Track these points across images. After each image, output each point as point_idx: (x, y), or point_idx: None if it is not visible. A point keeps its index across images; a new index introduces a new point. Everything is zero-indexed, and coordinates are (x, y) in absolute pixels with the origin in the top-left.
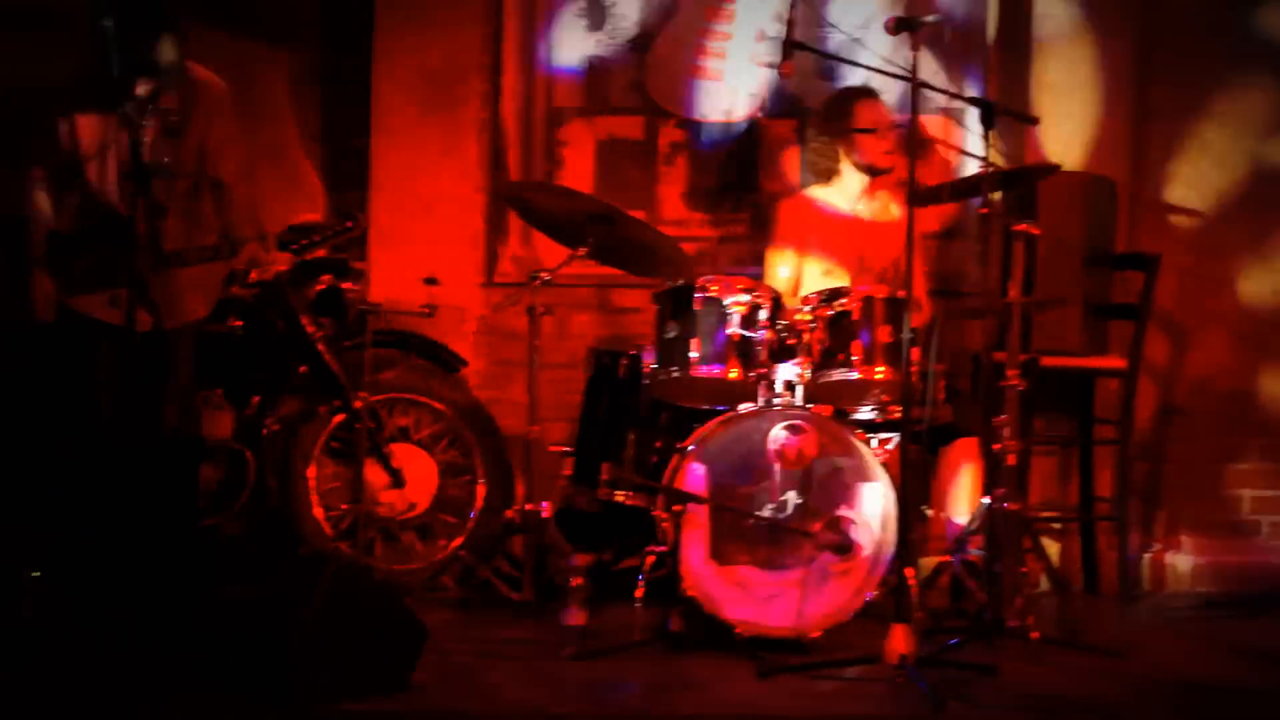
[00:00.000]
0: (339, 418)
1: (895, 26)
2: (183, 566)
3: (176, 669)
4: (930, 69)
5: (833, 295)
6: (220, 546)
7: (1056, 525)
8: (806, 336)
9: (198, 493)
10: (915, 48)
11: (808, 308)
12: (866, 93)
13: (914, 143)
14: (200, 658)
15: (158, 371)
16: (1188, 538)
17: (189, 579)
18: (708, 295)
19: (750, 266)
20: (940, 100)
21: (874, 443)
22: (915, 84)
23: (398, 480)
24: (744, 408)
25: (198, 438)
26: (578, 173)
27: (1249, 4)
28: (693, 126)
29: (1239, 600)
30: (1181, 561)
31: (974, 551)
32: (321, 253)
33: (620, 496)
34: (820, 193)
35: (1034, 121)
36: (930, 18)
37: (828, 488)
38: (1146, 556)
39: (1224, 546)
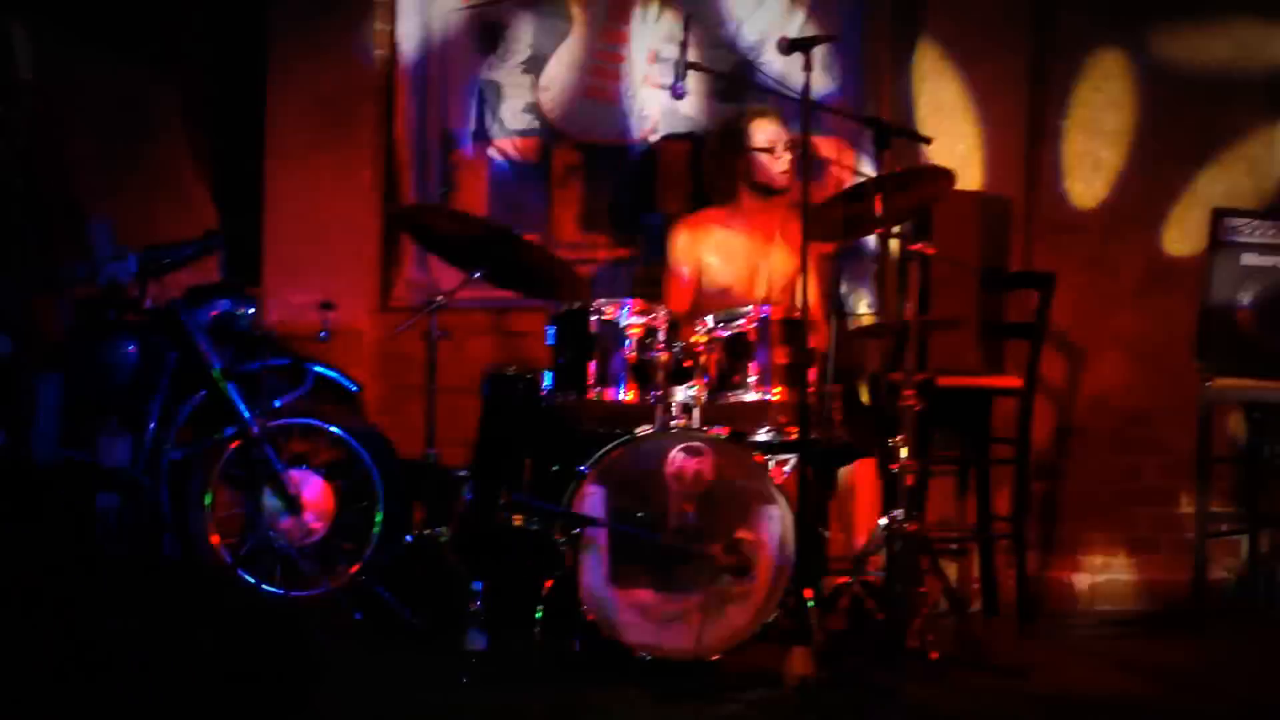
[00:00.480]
0: (236, 444)
1: (788, 47)
2: (76, 596)
3: (66, 701)
4: (825, 90)
5: (729, 317)
6: (117, 574)
7: (955, 545)
8: (703, 358)
9: (93, 521)
10: (808, 68)
11: (704, 329)
12: (762, 112)
13: (808, 162)
14: (91, 688)
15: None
16: (1086, 556)
17: (82, 608)
18: (604, 318)
19: (647, 288)
20: (835, 121)
21: (772, 464)
22: (808, 104)
23: (295, 507)
24: (641, 430)
25: (91, 465)
26: (473, 196)
27: (1142, 25)
28: (588, 148)
29: (1138, 619)
30: (1080, 580)
31: (873, 572)
32: (180, 272)
33: (518, 520)
34: (716, 212)
35: (927, 141)
36: (822, 38)
37: (726, 510)
38: (1045, 575)
39: (1122, 565)
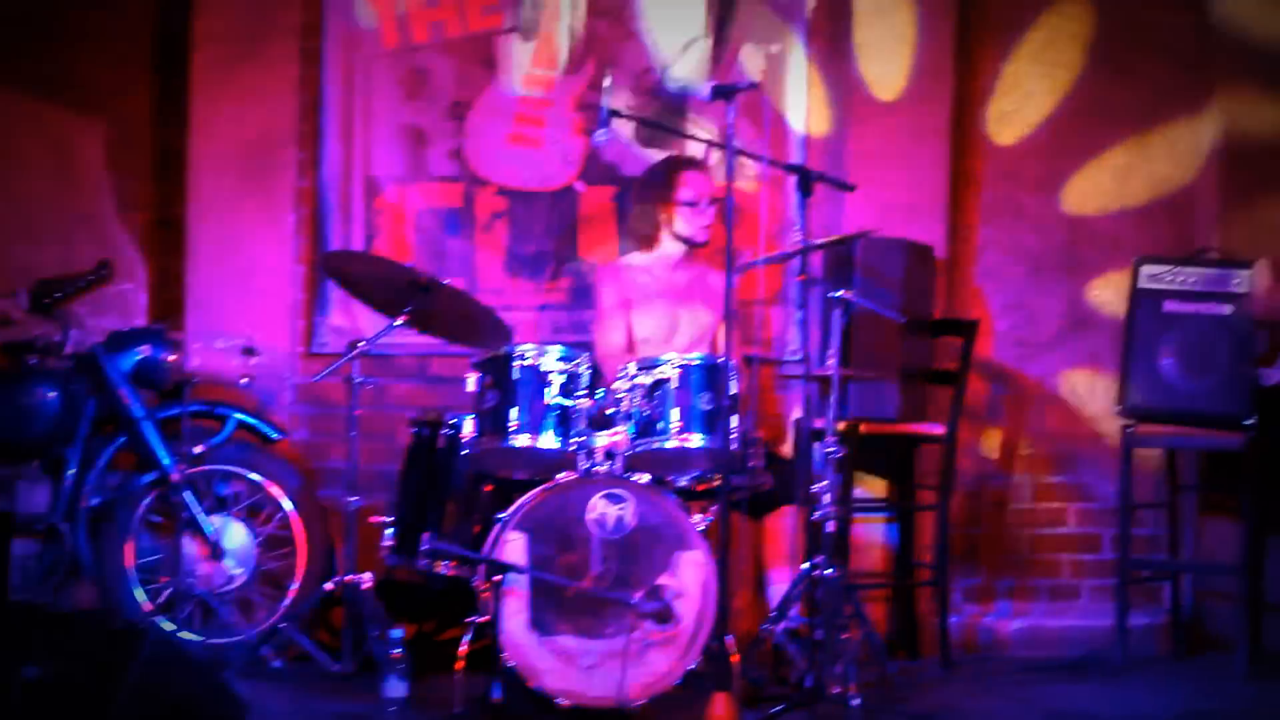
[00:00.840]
0: (157, 490)
1: (713, 93)
2: None
3: None
4: (748, 138)
5: (651, 363)
6: (33, 621)
7: (878, 591)
8: (626, 405)
9: (8, 568)
10: (733, 115)
11: (627, 376)
12: (690, 163)
13: (731, 211)
14: None
15: None
16: (1008, 602)
17: None
18: (526, 364)
19: (570, 334)
20: (760, 168)
21: (694, 511)
22: (732, 151)
23: (215, 552)
24: (563, 477)
25: (7, 513)
26: (396, 242)
27: (1063, 71)
28: (512, 194)
29: (1061, 664)
30: (1002, 626)
31: (795, 618)
32: (70, 303)
33: (440, 567)
34: (639, 260)
35: (850, 188)
36: (745, 85)
37: (648, 556)
38: (968, 621)
39: (1044, 610)
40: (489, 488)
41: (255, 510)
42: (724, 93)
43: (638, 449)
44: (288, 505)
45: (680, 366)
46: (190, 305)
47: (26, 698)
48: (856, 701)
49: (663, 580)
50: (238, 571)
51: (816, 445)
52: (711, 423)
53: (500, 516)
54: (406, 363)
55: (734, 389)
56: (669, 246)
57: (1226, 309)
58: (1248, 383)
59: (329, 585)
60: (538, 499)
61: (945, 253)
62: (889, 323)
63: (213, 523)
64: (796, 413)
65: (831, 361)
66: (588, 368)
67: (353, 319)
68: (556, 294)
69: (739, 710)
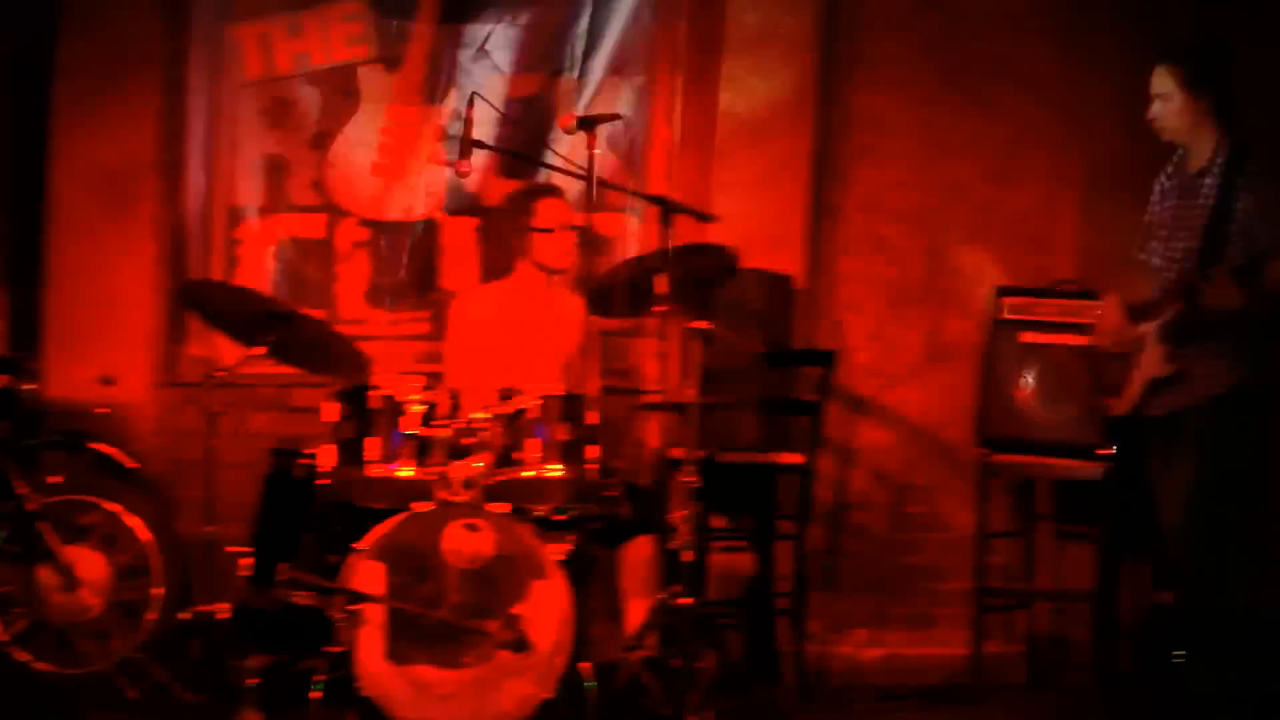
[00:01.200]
0: (13, 520)
1: (576, 125)
2: None
3: None
4: (612, 168)
5: (508, 394)
6: None
7: (737, 619)
8: (484, 434)
9: None
10: (592, 146)
11: (485, 406)
12: (548, 191)
13: (591, 240)
14: None
15: None
16: (866, 631)
17: None
18: (384, 394)
19: (431, 365)
20: (622, 199)
21: (551, 541)
22: (592, 182)
23: (71, 583)
24: (420, 506)
25: None
26: (257, 271)
27: (924, 106)
28: (374, 224)
29: (917, 692)
30: (861, 654)
31: (652, 647)
32: None
33: (297, 597)
34: (497, 289)
35: (711, 219)
36: (609, 116)
37: (505, 586)
38: (826, 650)
39: (902, 639)
40: (346, 517)
41: (112, 540)
42: (586, 124)
43: (496, 478)
44: (145, 535)
45: (539, 397)
46: (49, 334)
47: None
48: None
49: (520, 610)
50: (93, 601)
51: (674, 475)
52: (570, 453)
53: (357, 546)
54: (266, 393)
55: (592, 419)
56: (528, 274)
57: (1083, 340)
58: (1103, 413)
59: (186, 614)
60: (395, 528)
61: (806, 284)
62: (748, 353)
63: (67, 553)
64: (655, 443)
65: (690, 391)
66: (447, 397)
67: (212, 349)
68: (418, 324)
69: None
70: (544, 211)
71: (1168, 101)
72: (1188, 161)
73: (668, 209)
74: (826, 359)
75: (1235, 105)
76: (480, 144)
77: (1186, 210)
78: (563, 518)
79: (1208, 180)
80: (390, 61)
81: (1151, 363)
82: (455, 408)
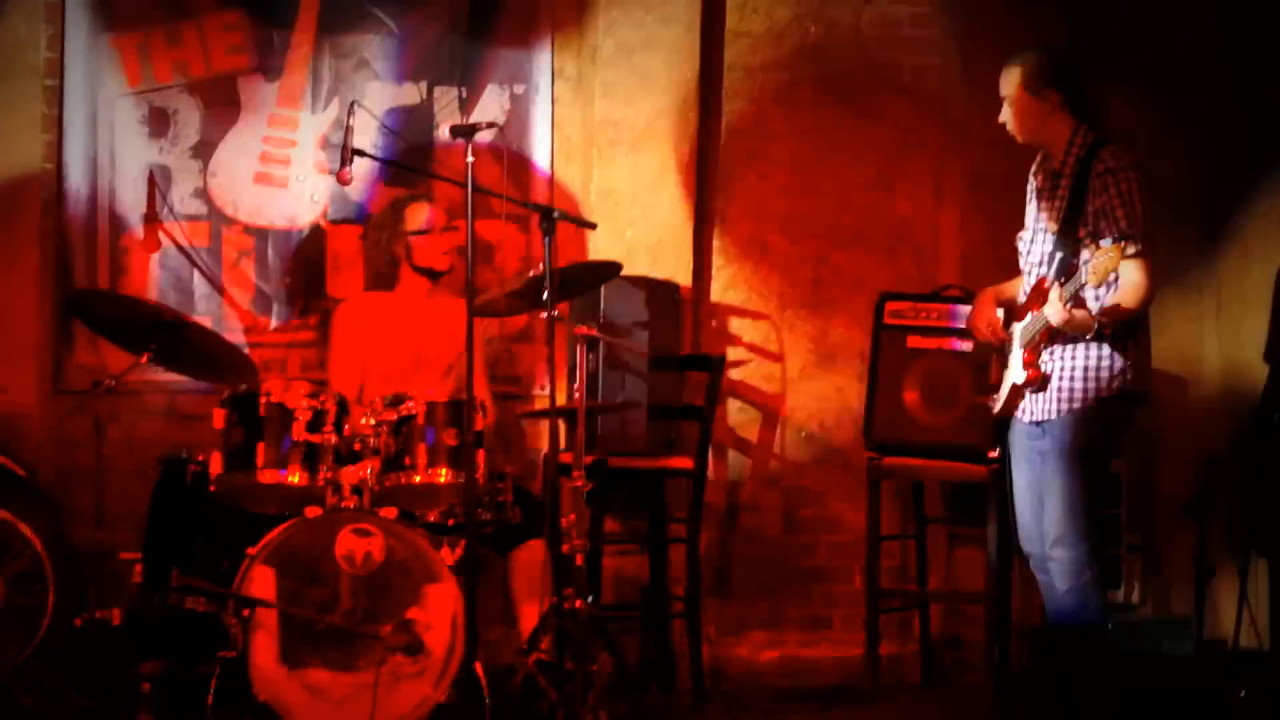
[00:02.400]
0: None
1: (452, 133)
2: None
3: None
4: (493, 176)
5: (396, 400)
6: None
7: (629, 622)
8: (372, 440)
9: None
10: (471, 154)
11: (372, 412)
12: (415, 197)
13: (472, 247)
14: None
15: None
16: (762, 632)
17: None
18: (272, 401)
19: (318, 372)
20: (504, 207)
21: (443, 544)
22: (471, 190)
23: None
24: (311, 512)
25: None
26: (142, 279)
27: (806, 113)
28: (259, 233)
29: (813, 693)
30: (756, 656)
31: (546, 650)
32: None
33: (190, 603)
34: (380, 296)
35: (592, 226)
36: (486, 124)
37: (397, 590)
38: (721, 652)
39: (797, 640)
40: (237, 523)
41: (4, 547)
42: (463, 132)
43: (385, 484)
44: (37, 542)
45: (426, 402)
46: None
47: None
48: None
49: (412, 614)
50: None
51: (564, 479)
52: (456, 458)
53: (249, 552)
54: (154, 400)
55: (479, 424)
56: (409, 280)
57: (967, 344)
58: (988, 415)
59: (80, 621)
60: (286, 534)
61: (692, 290)
62: (635, 358)
63: None
64: (545, 448)
65: (578, 396)
66: (334, 404)
67: (100, 357)
68: (305, 331)
69: None
70: (413, 216)
71: (1012, 104)
72: (1050, 162)
73: (548, 216)
74: (713, 364)
75: (1087, 104)
76: (361, 152)
77: (1047, 212)
78: (453, 522)
79: (1063, 181)
80: (270, 71)
81: (1014, 368)
82: (344, 414)
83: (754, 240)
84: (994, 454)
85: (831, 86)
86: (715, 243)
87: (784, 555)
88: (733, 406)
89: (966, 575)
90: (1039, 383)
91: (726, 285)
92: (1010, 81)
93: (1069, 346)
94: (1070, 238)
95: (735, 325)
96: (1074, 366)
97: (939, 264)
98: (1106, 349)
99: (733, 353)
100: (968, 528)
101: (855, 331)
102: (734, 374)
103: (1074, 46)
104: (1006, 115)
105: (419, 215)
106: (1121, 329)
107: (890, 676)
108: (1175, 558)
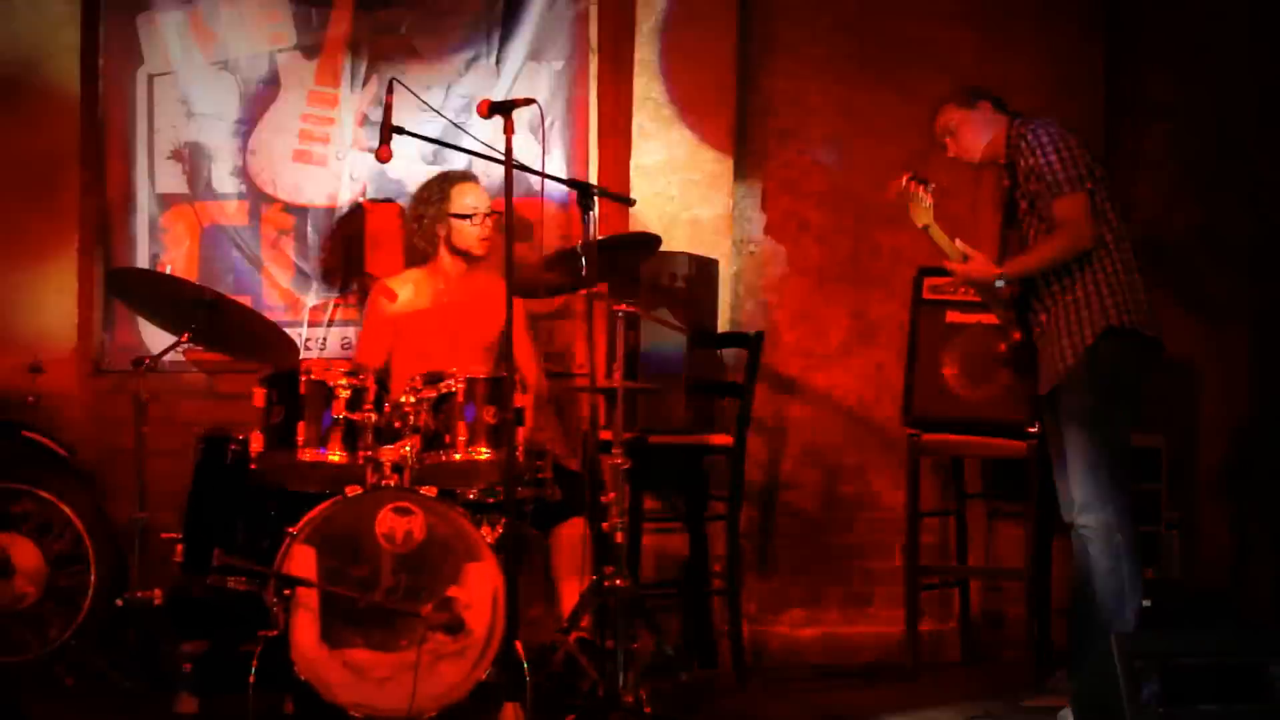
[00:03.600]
0: None
1: (491, 110)
2: None
3: None
4: (533, 153)
5: (436, 377)
6: None
7: (669, 600)
8: (412, 418)
9: None
10: (509, 132)
11: (412, 390)
12: (463, 177)
13: (511, 225)
14: None
15: None
16: (801, 610)
17: None
18: (312, 379)
19: (357, 349)
20: (542, 184)
21: (483, 523)
22: (510, 166)
23: (6, 571)
24: (351, 490)
25: None
26: (183, 259)
27: (844, 88)
28: (299, 211)
29: (853, 671)
30: (796, 634)
31: (587, 629)
32: None
33: (231, 582)
34: (418, 274)
35: (631, 203)
36: (524, 101)
37: (437, 568)
38: (762, 630)
39: (836, 618)
40: (278, 502)
41: (45, 528)
42: (502, 109)
43: (425, 462)
44: (78, 523)
45: (466, 379)
46: None
47: None
48: (648, 710)
49: (453, 592)
50: (28, 589)
51: (604, 457)
52: (496, 435)
53: (290, 531)
54: (194, 379)
55: (519, 400)
56: (449, 259)
57: None
58: (1030, 390)
59: (121, 602)
60: (326, 513)
61: (731, 265)
62: (675, 335)
63: (2, 541)
64: (585, 425)
65: (617, 374)
66: (374, 382)
67: (140, 337)
68: (344, 309)
69: None
70: (459, 198)
71: (955, 129)
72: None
73: (586, 193)
74: (753, 340)
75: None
76: (400, 130)
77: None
78: (494, 500)
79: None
80: (309, 49)
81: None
82: (384, 392)
83: (792, 216)
84: (1033, 429)
85: (867, 62)
86: (754, 219)
87: (824, 532)
88: (773, 382)
89: (1006, 552)
90: (1018, 345)
91: (765, 261)
92: (944, 114)
93: (1051, 311)
94: (1014, 212)
95: (774, 301)
96: (1056, 331)
97: (977, 238)
98: (1077, 303)
99: (771, 329)
100: (1008, 503)
101: (894, 307)
102: (773, 349)
103: (1111, 20)
104: (954, 147)
105: (464, 197)
106: (1086, 277)
107: (930, 654)
108: (1213, 532)
